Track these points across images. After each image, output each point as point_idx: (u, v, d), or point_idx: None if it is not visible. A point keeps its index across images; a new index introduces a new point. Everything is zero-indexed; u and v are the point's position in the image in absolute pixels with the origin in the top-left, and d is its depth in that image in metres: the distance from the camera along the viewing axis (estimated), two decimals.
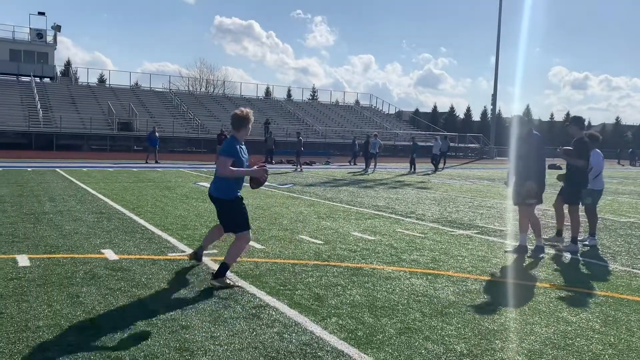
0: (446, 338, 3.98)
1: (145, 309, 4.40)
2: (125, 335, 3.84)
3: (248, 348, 3.68)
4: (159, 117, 42.84)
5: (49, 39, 48.82)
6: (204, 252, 6.05)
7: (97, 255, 6.21)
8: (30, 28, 47.98)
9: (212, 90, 65.54)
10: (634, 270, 6.32)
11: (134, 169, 21.11)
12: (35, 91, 42.07)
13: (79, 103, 43.29)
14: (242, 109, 5.37)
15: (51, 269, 5.53)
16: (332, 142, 46.24)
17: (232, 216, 5.23)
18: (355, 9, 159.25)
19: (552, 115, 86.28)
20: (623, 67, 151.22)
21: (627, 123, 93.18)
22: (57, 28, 49.03)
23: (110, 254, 6.28)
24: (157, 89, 53.00)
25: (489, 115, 65.82)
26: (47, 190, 12.63)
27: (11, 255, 6.05)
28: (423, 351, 3.72)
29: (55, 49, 49.90)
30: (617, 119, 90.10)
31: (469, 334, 4.08)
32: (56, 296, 4.67)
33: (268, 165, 26.91)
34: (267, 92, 64.70)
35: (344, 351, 3.68)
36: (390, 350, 3.72)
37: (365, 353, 3.66)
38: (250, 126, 5.31)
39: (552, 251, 7.35)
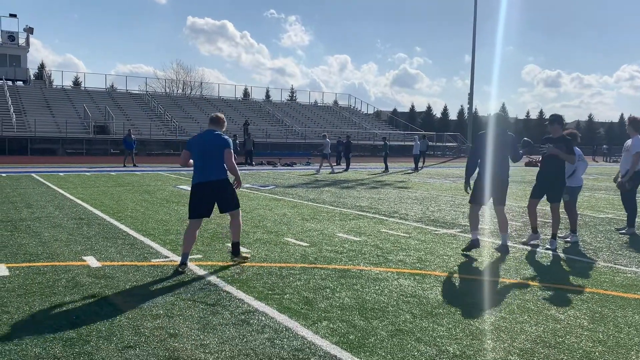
0: (438, 339, 3.97)
1: (131, 318, 4.30)
2: (112, 345, 3.75)
3: (239, 355, 3.62)
4: (135, 120, 42.31)
5: (21, 41, 47.88)
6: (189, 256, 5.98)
7: (79, 263, 6.07)
8: (1, 30, 46.98)
9: (190, 91, 65.01)
10: (616, 266, 6.41)
11: (112, 173, 20.79)
12: (8, 95, 41.20)
13: (54, 106, 42.52)
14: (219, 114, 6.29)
15: (32, 278, 5.39)
16: (312, 143, 46.18)
17: (233, 193, 6.13)
18: (328, 9, 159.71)
19: (527, 113, 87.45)
20: (593, 66, 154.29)
21: (600, 120, 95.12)
22: (29, 30, 48.13)
23: (92, 261, 6.14)
24: (133, 92, 52.39)
25: (466, 114, 66.50)
26: (24, 196, 12.35)
27: None
28: (416, 353, 3.71)
29: (28, 51, 48.96)
30: (589, 116, 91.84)
31: (460, 334, 4.07)
32: (38, 306, 4.54)
33: (247, 167, 26.89)
34: (246, 93, 64.42)
35: (336, 356, 3.64)
36: (383, 354, 3.69)
37: (358, 357, 3.63)
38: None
39: (529, 248, 7.42)
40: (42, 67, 59.34)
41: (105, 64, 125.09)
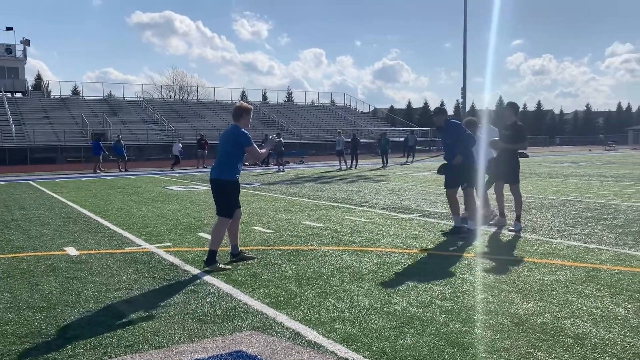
0: (355, 297, 4.63)
1: (95, 291, 4.97)
2: (75, 311, 4.42)
3: (180, 314, 4.29)
4: (132, 126, 43.07)
5: (19, 53, 48.75)
6: (237, 248, 6.21)
7: (60, 252, 6.76)
8: None
9: (187, 96, 65.81)
10: (547, 239, 7.06)
11: (107, 178, 21.51)
12: (7, 106, 42.02)
13: (52, 116, 43.36)
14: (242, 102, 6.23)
15: (15, 265, 6.07)
16: (307, 142, 46.86)
17: (227, 198, 5.87)
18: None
19: (524, 105, 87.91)
20: (584, 51, 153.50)
21: (598, 109, 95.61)
22: (26, 42, 49.02)
23: (72, 251, 6.83)
24: (130, 98, 53.17)
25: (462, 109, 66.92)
26: (18, 200, 13.06)
27: None
28: (330, 307, 4.37)
29: (26, 63, 49.83)
30: (587, 105, 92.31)
31: (375, 292, 4.74)
32: (17, 286, 5.22)
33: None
34: (243, 96, 65.13)
35: (263, 311, 4.31)
36: (303, 309, 4.35)
37: (281, 312, 4.29)
38: (249, 118, 6.00)
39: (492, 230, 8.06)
40: (39, 78, 60.27)
41: (73, 71, 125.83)
